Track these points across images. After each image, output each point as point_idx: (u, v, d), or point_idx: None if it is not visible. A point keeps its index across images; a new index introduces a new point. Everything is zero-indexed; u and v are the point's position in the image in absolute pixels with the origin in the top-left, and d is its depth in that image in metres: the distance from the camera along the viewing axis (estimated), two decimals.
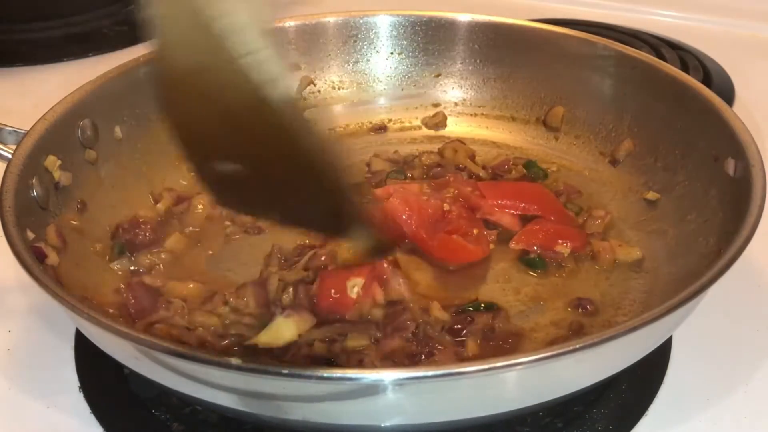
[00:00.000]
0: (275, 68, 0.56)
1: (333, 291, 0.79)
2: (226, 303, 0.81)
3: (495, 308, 0.82)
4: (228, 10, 0.54)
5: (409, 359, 0.75)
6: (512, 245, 0.90)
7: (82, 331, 0.75)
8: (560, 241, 0.89)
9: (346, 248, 0.84)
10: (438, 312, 0.80)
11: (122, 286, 0.84)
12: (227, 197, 0.69)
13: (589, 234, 0.92)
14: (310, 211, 0.66)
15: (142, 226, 0.92)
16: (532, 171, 1.04)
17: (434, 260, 0.88)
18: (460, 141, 1.10)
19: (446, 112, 1.16)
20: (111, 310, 0.81)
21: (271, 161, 0.61)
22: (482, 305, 0.82)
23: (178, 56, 0.60)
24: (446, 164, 1.05)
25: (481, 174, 1.03)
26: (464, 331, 0.78)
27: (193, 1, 0.55)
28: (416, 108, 1.17)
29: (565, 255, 0.88)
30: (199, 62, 0.58)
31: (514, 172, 1.04)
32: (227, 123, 0.60)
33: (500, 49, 1.12)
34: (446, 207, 0.92)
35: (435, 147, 1.10)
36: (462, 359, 0.75)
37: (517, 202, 0.94)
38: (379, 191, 0.96)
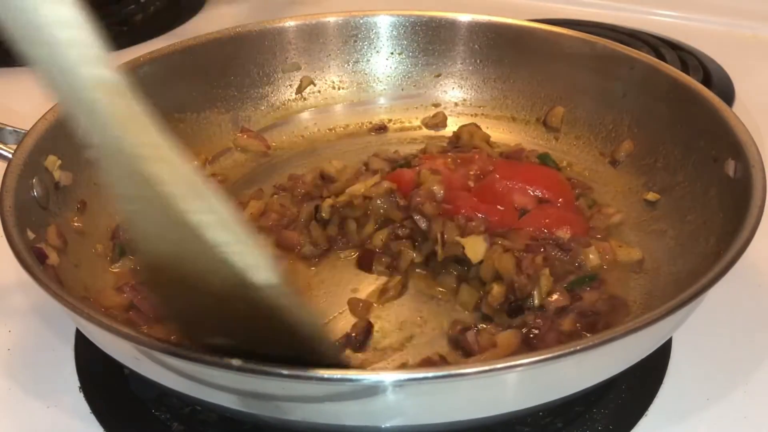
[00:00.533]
0: (253, 257, 0.55)
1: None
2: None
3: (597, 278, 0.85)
4: (200, 207, 0.53)
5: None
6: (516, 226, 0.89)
7: (82, 331, 0.75)
8: (562, 226, 0.89)
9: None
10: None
11: (126, 288, 0.83)
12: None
13: (591, 227, 0.92)
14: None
15: None
16: (547, 162, 1.04)
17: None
18: (476, 125, 1.11)
19: (446, 113, 1.16)
20: (113, 311, 0.81)
21: (260, 336, 0.59)
22: (586, 278, 0.85)
23: (155, 247, 0.59)
24: (462, 147, 1.06)
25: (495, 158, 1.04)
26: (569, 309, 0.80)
27: (163, 199, 0.53)
28: (416, 108, 1.17)
29: (565, 240, 0.88)
30: (177, 251, 0.57)
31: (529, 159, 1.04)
32: (213, 304, 0.59)
33: (500, 50, 1.13)
34: (471, 184, 0.94)
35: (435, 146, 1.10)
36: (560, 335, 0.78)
37: (530, 183, 0.93)
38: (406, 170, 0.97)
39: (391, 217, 0.91)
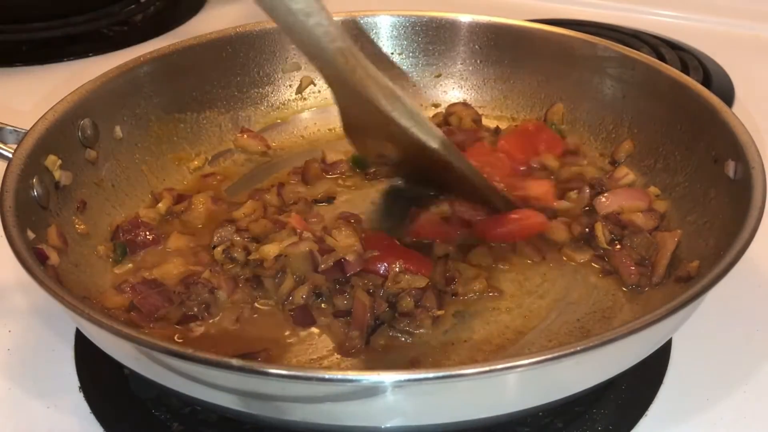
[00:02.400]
0: (428, 132, 0.85)
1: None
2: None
3: None
4: (396, 107, 0.83)
5: None
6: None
7: (82, 331, 0.75)
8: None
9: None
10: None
11: (127, 288, 0.83)
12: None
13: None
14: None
15: (143, 226, 0.92)
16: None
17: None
18: (464, 103, 1.12)
19: (446, 113, 1.16)
20: (114, 311, 0.81)
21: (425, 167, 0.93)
22: None
23: (363, 123, 0.89)
24: (454, 131, 1.07)
25: (485, 136, 1.06)
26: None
27: (374, 103, 0.82)
28: None
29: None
30: (381, 129, 0.87)
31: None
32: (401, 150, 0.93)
33: (500, 50, 1.13)
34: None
35: None
36: None
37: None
38: None
39: (310, 279, 0.84)
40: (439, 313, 0.82)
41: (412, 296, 0.81)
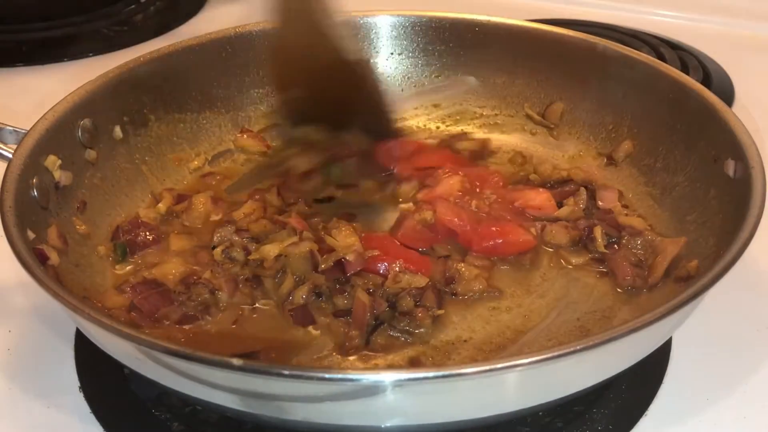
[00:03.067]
0: (353, 46, 0.94)
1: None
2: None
3: None
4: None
5: None
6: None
7: (83, 331, 0.75)
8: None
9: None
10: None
11: (127, 288, 0.84)
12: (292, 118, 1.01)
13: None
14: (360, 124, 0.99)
15: (143, 226, 0.92)
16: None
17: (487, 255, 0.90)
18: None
19: (446, 113, 1.16)
20: (114, 312, 0.81)
21: (341, 97, 0.96)
22: None
23: (288, 33, 0.96)
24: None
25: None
26: None
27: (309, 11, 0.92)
28: (416, 108, 1.17)
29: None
30: (302, 37, 0.94)
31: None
32: (313, 69, 0.96)
33: (500, 50, 1.12)
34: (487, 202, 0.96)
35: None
36: None
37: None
38: (421, 196, 0.97)
39: (311, 279, 0.84)
40: (439, 312, 0.82)
41: (412, 296, 0.81)
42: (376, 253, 0.85)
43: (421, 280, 0.83)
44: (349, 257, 0.84)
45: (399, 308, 0.81)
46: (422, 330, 0.81)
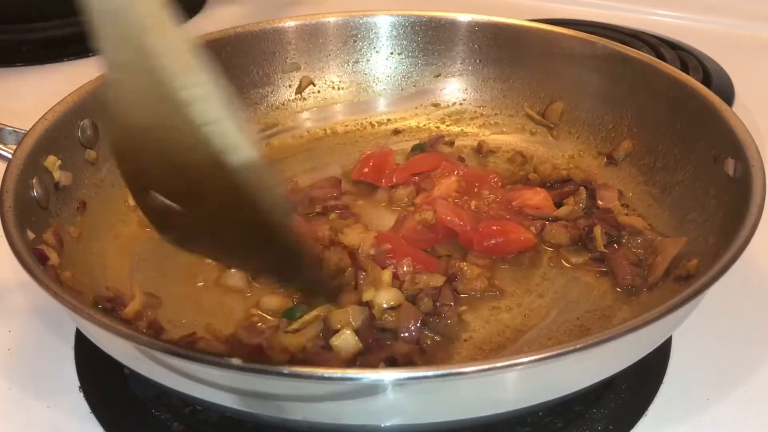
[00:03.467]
0: (236, 137, 0.56)
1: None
2: None
3: None
4: (193, 82, 0.55)
5: None
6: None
7: (83, 331, 0.75)
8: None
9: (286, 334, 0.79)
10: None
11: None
12: (172, 232, 0.68)
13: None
14: (258, 257, 0.67)
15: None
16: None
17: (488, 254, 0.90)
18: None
19: (446, 113, 1.16)
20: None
21: (220, 211, 0.61)
22: None
23: (134, 117, 0.60)
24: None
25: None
26: None
27: (156, 72, 0.54)
28: (416, 108, 1.17)
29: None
30: (158, 123, 0.57)
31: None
32: (179, 173, 0.60)
33: (500, 49, 1.13)
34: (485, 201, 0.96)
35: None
36: None
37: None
38: (419, 200, 0.97)
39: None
40: (463, 309, 0.83)
41: (430, 296, 0.81)
42: (388, 246, 0.86)
43: (438, 279, 0.83)
44: (371, 251, 0.85)
45: (421, 309, 0.81)
46: (453, 328, 0.81)
